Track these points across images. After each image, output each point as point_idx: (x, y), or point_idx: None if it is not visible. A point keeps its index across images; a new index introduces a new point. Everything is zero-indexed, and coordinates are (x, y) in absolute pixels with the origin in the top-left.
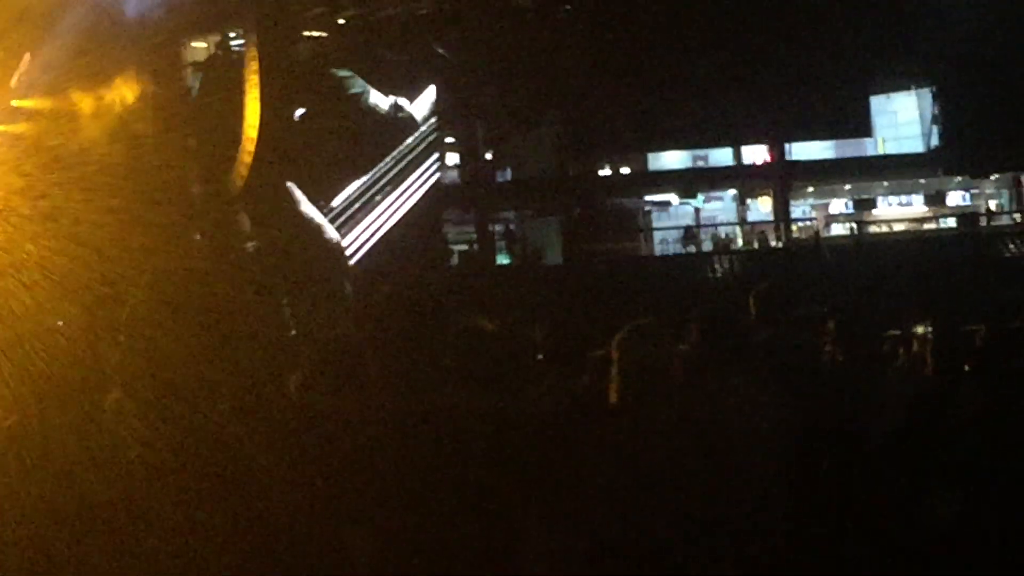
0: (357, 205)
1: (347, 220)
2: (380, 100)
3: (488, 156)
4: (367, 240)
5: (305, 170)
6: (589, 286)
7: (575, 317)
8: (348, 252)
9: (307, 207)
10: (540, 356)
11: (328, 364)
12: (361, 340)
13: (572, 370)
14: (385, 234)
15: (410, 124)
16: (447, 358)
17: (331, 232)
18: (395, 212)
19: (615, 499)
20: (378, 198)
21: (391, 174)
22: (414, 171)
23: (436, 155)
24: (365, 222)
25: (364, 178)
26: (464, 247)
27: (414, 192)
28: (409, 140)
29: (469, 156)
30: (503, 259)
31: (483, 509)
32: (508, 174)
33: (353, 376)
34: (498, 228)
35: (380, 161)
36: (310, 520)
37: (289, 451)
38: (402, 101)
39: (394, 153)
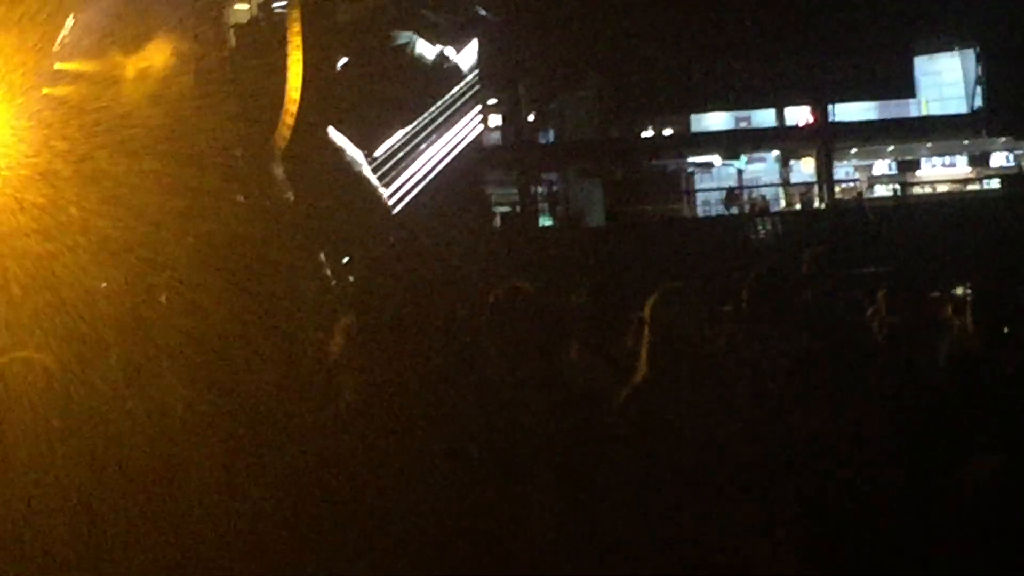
0: (401, 154)
1: (390, 169)
2: (426, 49)
3: (530, 118)
4: (410, 190)
5: (348, 119)
6: (632, 248)
7: (617, 279)
8: (391, 202)
9: (350, 155)
10: (582, 319)
11: (370, 324)
12: (403, 299)
13: (614, 333)
14: (428, 184)
15: (455, 74)
16: (488, 320)
17: (374, 182)
18: (439, 162)
19: (639, 482)
20: (422, 147)
21: (435, 124)
22: (457, 121)
23: (479, 106)
24: (409, 171)
25: (408, 127)
26: (506, 208)
27: (457, 143)
28: (454, 90)
29: (511, 117)
30: (545, 220)
31: (507, 480)
32: (550, 135)
33: (393, 336)
34: (540, 190)
35: (425, 110)
36: (350, 479)
37: (330, 412)
38: (448, 51)
39: (438, 103)
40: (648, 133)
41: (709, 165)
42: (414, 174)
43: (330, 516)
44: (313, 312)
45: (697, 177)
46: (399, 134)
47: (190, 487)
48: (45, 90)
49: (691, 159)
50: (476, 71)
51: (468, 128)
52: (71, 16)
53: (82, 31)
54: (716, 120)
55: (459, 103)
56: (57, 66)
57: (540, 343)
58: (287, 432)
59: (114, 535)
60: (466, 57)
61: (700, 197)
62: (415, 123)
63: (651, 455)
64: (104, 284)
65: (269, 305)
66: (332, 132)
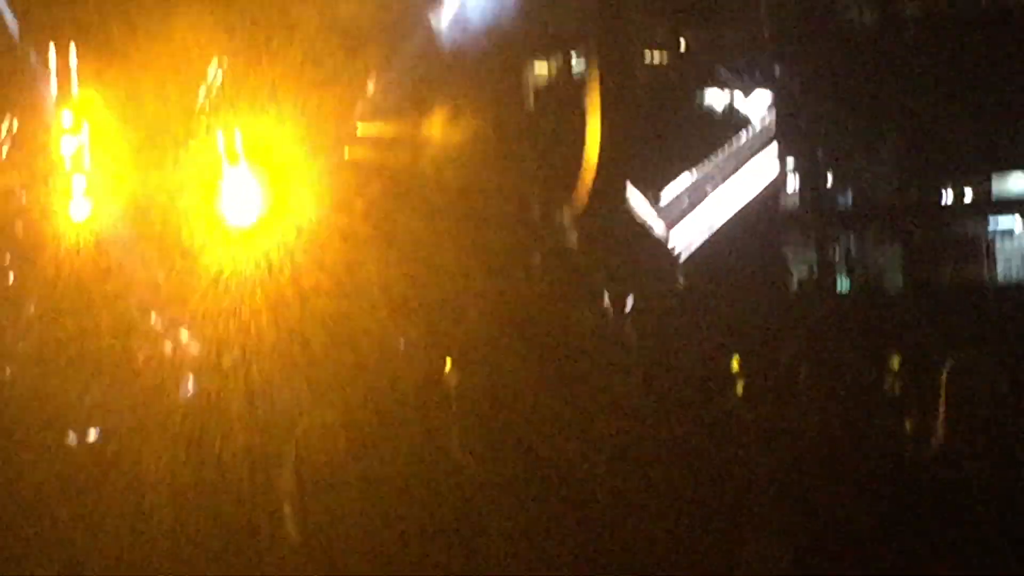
0: (687, 200)
1: (677, 215)
2: (711, 100)
3: (828, 181)
4: (698, 236)
5: (641, 171)
6: (931, 313)
7: (917, 345)
8: (677, 249)
9: (641, 208)
10: (886, 386)
11: (661, 381)
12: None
13: (917, 401)
14: (718, 233)
15: (740, 125)
16: (782, 381)
17: (659, 229)
18: (728, 209)
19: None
20: (708, 194)
21: (720, 172)
22: (744, 171)
23: (768, 155)
24: (696, 217)
25: (696, 173)
26: (804, 272)
27: (747, 191)
28: (739, 140)
29: (809, 180)
30: (843, 284)
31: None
32: (849, 199)
33: (690, 394)
34: (838, 253)
35: (709, 159)
36: (645, 541)
37: (628, 470)
38: (733, 102)
39: (723, 151)
40: (948, 197)
41: (1011, 231)
42: (703, 223)
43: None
44: (604, 372)
45: (998, 243)
46: (691, 182)
47: (481, 541)
48: (346, 153)
49: (992, 224)
50: (770, 130)
51: (760, 183)
52: (372, 81)
53: (382, 95)
54: (1020, 184)
55: (750, 145)
56: (359, 130)
57: (842, 407)
58: (585, 492)
59: None
60: (759, 113)
61: (1000, 264)
62: (705, 174)
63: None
64: (403, 343)
65: (563, 364)
66: (627, 188)
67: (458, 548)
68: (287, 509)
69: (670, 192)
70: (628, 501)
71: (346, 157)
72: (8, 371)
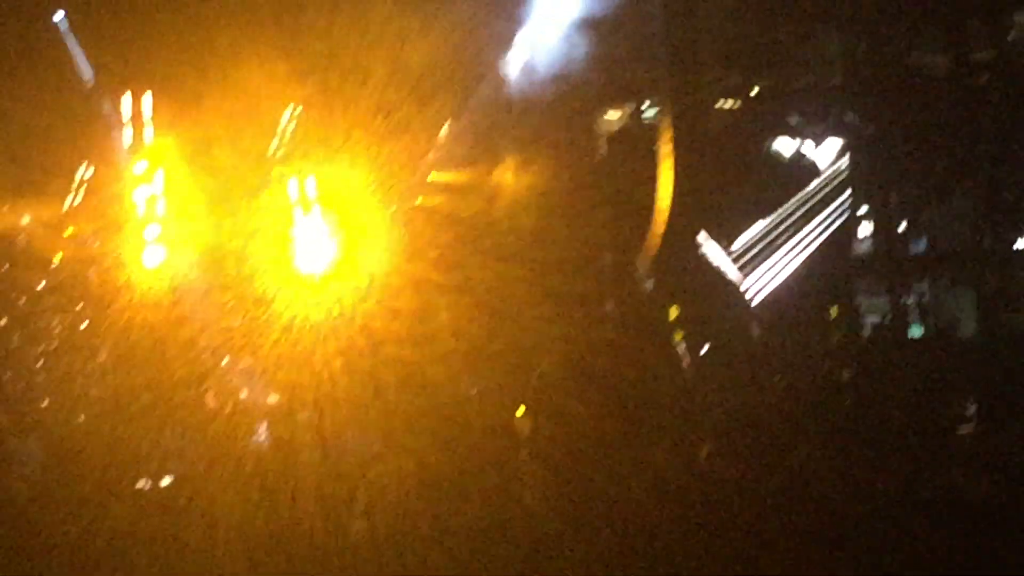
0: (758, 248)
1: (748, 262)
2: (783, 146)
3: (902, 226)
4: (768, 283)
5: (709, 217)
6: (1006, 359)
7: (993, 391)
8: (751, 297)
9: (709, 250)
10: (962, 430)
11: (737, 434)
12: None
13: (998, 446)
14: (788, 280)
15: (813, 171)
16: (857, 430)
17: (733, 277)
18: (797, 258)
19: None
20: (780, 240)
21: (793, 218)
22: (816, 217)
23: (841, 202)
24: (766, 266)
25: (770, 220)
26: (876, 318)
27: (816, 239)
28: (811, 186)
29: (881, 226)
30: (916, 331)
31: None
32: (922, 244)
33: (775, 448)
34: (910, 300)
35: (781, 205)
36: None
37: (703, 519)
38: (805, 147)
39: (796, 198)
40: (1022, 244)
41: None
42: (776, 270)
43: None
44: (677, 420)
45: None
46: (764, 229)
47: None
48: (418, 201)
49: None
50: (843, 176)
51: (833, 230)
52: (444, 128)
53: (455, 142)
54: None
55: (819, 193)
56: (430, 177)
57: (917, 452)
58: (666, 547)
59: None
60: (831, 160)
61: None
62: (778, 221)
63: None
64: (475, 391)
65: (636, 412)
66: (700, 235)
67: None
68: (359, 554)
69: (743, 239)
70: (704, 551)
71: (418, 204)
72: (83, 418)
